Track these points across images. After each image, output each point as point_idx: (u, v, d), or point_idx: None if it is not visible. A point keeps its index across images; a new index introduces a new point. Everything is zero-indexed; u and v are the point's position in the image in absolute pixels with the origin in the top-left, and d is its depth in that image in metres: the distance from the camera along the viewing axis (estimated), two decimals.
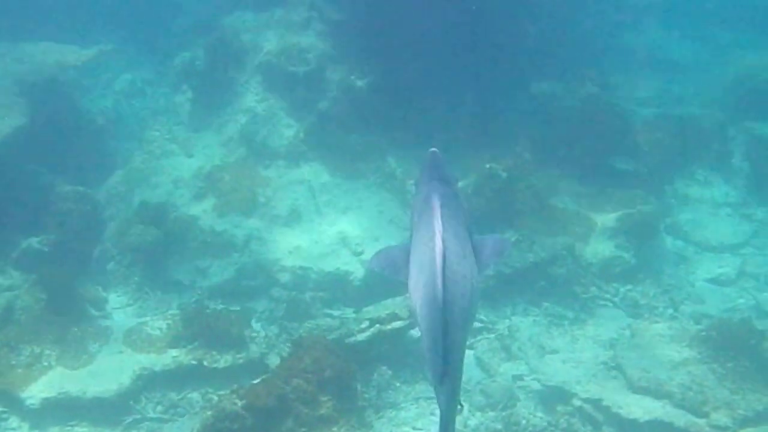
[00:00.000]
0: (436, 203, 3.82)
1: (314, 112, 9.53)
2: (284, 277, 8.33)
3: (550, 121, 9.95)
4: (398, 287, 8.02)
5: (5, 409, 6.88)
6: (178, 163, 9.67)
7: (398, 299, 7.77)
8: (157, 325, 7.66)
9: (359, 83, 9.53)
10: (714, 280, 8.65)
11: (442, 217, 3.74)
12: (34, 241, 8.24)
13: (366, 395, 6.75)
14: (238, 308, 7.85)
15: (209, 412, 6.17)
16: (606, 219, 8.71)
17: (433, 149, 4.18)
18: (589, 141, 9.50)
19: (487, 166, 8.78)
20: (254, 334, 7.50)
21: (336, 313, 8.05)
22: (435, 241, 3.62)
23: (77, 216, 8.54)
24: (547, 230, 8.54)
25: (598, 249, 8.45)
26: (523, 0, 11.01)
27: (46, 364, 7.15)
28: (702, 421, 6.39)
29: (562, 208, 8.91)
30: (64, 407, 6.82)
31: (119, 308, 8.23)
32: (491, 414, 6.84)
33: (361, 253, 8.43)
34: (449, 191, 4.05)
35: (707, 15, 15.02)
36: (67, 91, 10.01)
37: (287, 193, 9.05)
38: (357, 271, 8.29)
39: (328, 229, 8.75)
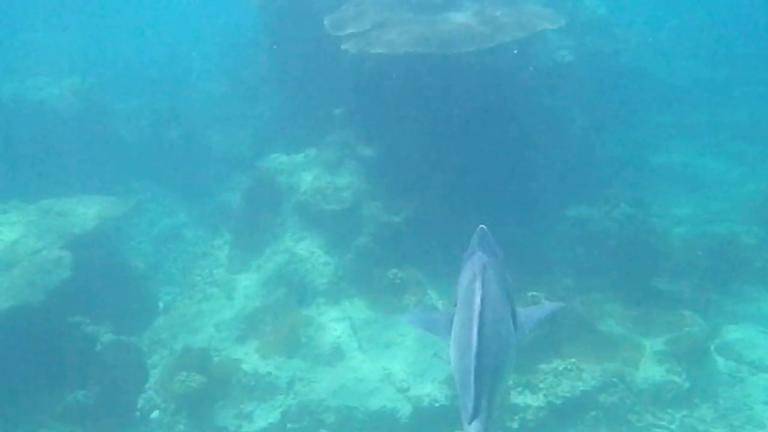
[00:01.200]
0: (480, 269, 4.10)
1: (352, 248, 9.60)
2: (330, 418, 8.18)
3: (587, 244, 9.93)
4: (446, 423, 7.93)
5: None
6: (219, 306, 9.71)
7: None
8: None
9: (395, 218, 9.61)
10: None
11: (484, 281, 4.03)
12: (79, 395, 8.21)
13: None
14: None
15: None
16: (654, 342, 8.55)
17: (482, 226, 4.47)
18: (630, 263, 9.46)
19: (530, 294, 8.71)
20: None
21: None
22: (474, 299, 3.96)
23: (121, 366, 8.51)
24: (595, 357, 8.38)
25: (649, 374, 8.24)
26: (549, 127, 11.20)
27: None
28: None
29: (608, 333, 8.76)
30: None
31: None
32: None
33: (406, 390, 8.29)
34: (494, 261, 4.30)
35: (731, 131, 15.26)
36: (108, 242, 10.19)
37: (328, 331, 9.01)
38: (404, 408, 8.13)
39: (372, 366, 8.64)
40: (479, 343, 3.86)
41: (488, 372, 3.86)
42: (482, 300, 3.98)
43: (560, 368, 8.18)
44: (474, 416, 3.79)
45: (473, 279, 4.12)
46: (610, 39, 13.67)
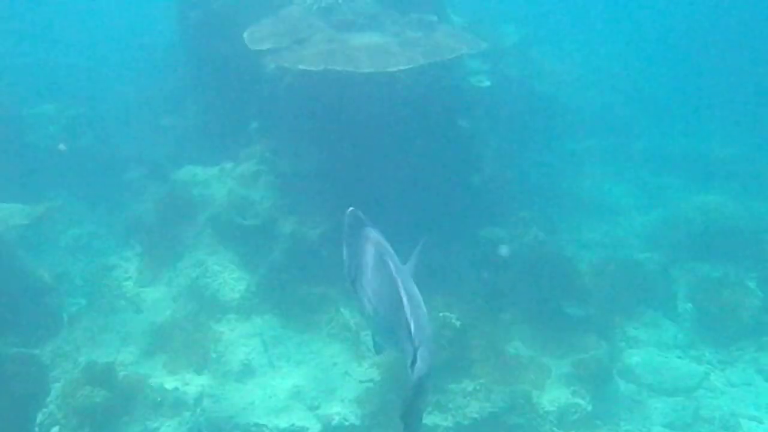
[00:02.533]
0: (381, 246, 4.50)
1: (266, 264, 9.52)
2: None
3: (498, 266, 10.08)
4: None
5: None
6: (127, 320, 9.50)
7: None
8: None
9: (311, 234, 9.59)
10: (670, 425, 8.65)
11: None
12: None
13: None
14: None
15: None
16: (560, 364, 8.76)
17: (351, 208, 4.77)
18: (539, 285, 9.65)
19: (441, 314, 8.81)
20: None
21: None
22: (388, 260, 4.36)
23: (20, 379, 8.24)
24: (503, 378, 8.52)
25: (555, 396, 8.43)
26: (464, 149, 11.35)
27: None
28: None
29: (516, 355, 8.93)
30: None
31: None
32: None
33: (317, 408, 8.27)
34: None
35: (635, 159, 15.84)
36: (11, 251, 9.84)
37: (239, 347, 8.92)
38: (313, 426, 8.10)
39: (282, 383, 8.59)
40: (406, 291, 4.15)
41: (418, 310, 4.21)
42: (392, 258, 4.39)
43: (469, 389, 8.29)
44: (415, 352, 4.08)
45: (376, 244, 4.52)
46: (525, 65, 14.00)
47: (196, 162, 10.80)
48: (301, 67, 9.36)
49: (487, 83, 11.68)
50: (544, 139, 13.95)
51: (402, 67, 9.35)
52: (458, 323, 8.66)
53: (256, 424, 8.13)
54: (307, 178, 9.94)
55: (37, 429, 8.29)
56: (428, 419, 8.13)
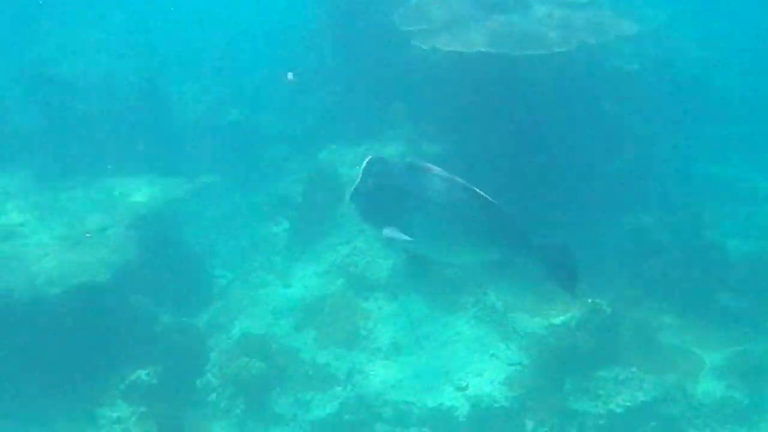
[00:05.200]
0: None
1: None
2: (387, 412, 8.25)
3: (644, 254, 9.91)
4: (505, 425, 7.98)
5: None
6: (277, 294, 9.78)
7: None
8: None
9: None
10: None
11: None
12: (142, 374, 8.29)
13: None
14: None
15: None
16: (714, 357, 8.55)
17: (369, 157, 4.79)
18: (688, 275, 9.44)
19: (589, 300, 8.73)
20: None
21: None
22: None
23: (183, 348, 8.61)
24: (654, 368, 8.39)
25: (709, 388, 8.25)
26: (607, 133, 11.18)
27: None
28: None
29: (667, 345, 8.76)
30: None
31: None
32: None
33: (465, 388, 8.33)
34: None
35: None
36: (168, 223, 10.26)
37: (387, 326, 9.07)
38: (462, 406, 8.16)
39: (430, 362, 8.70)
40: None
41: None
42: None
43: (620, 377, 8.19)
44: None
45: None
46: (671, 48, 13.59)
47: (340, 141, 10.95)
48: (452, 48, 9.39)
49: (635, 66, 11.43)
50: (688, 123, 13.54)
51: (555, 50, 9.26)
52: (609, 309, 8.57)
53: (405, 402, 8.27)
54: (452, 161, 9.94)
55: (196, 393, 8.67)
56: (577, 404, 8.11)
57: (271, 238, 10.80)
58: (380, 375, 8.57)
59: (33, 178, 10.44)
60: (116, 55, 13.49)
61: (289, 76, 11.09)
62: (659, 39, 13.30)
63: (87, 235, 9.03)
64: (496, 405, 8.10)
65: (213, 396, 8.61)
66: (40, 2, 14.88)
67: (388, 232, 4.72)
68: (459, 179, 4.58)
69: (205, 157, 12.53)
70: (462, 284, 9.30)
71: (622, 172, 11.19)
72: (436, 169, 4.76)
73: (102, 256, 8.72)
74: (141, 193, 10.00)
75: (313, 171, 10.72)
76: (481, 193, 4.57)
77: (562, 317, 8.79)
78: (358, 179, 4.77)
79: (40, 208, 9.59)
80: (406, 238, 4.68)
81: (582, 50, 9.97)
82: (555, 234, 9.64)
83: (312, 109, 12.57)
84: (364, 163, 4.78)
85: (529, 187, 9.95)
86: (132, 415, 8.08)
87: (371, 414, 8.28)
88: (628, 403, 7.98)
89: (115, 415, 8.12)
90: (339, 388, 8.50)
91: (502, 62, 9.52)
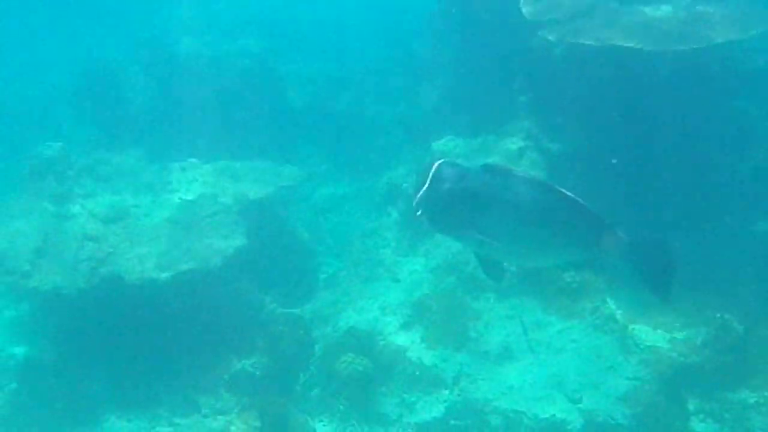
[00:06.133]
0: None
1: None
2: (495, 420, 7.90)
3: None
4: None
5: None
6: (385, 288, 9.53)
7: None
8: None
9: None
10: None
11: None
12: (247, 364, 8.19)
13: None
14: None
15: None
16: None
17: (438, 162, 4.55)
18: None
19: (718, 315, 8.17)
20: None
21: None
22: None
23: (289, 340, 8.44)
24: None
25: None
26: (739, 132, 10.49)
27: None
28: None
29: None
30: None
31: None
32: None
33: (578, 401, 7.91)
34: None
35: None
36: (276, 210, 10.12)
37: (498, 328, 8.71)
38: (575, 420, 7.75)
39: (542, 370, 8.30)
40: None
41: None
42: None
43: (750, 401, 7.63)
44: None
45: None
46: None
47: (456, 132, 10.56)
48: (580, 41, 8.89)
49: None
50: None
51: (693, 46, 8.66)
52: (740, 327, 8.01)
53: (515, 411, 7.90)
54: (574, 159, 9.48)
55: (298, 388, 8.51)
56: (700, 427, 7.61)
57: (381, 230, 10.54)
58: (489, 380, 8.24)
59: (146, 157, 10.41)
60: (228, 33, 13.36)
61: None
62: None
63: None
64: (612, 422, 7.66)
65: (316, 391, 8.44)
66: None
67: (465, 233, 4.50)
68: (541, 179, 4.39)
69: (315, 143, 12.40)
70: (579, 290, 8.84)
71: (754, 175, 10.49)
72: (516, 170, 4.49)
73: (211, 241, 8.64)
74: (251, 178, 9.86)
75: (426, 162, 10.37)
76: (566, 192, 4.35)
77: (686, 332, 8.28)
78: (427, 184, 4.46)
79: (153, 190, 9.56)
80: (488, 240, 4.42)
81: (720, 47, 9.32)
82: (669, 235, 9.34)
83: (427, 97, 12.19)
84: (434, 168, 4.48)
85: (655, 190, 9.41)
86: (235, 405, 8.02)
87: (479, 420, 7.95)
88: (759, 431, 7.42)
89: (218, 404, 8.07)
90: (446, 392, 8.20)
91: (635, 58, 8.95)
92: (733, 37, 8.92)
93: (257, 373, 8.19)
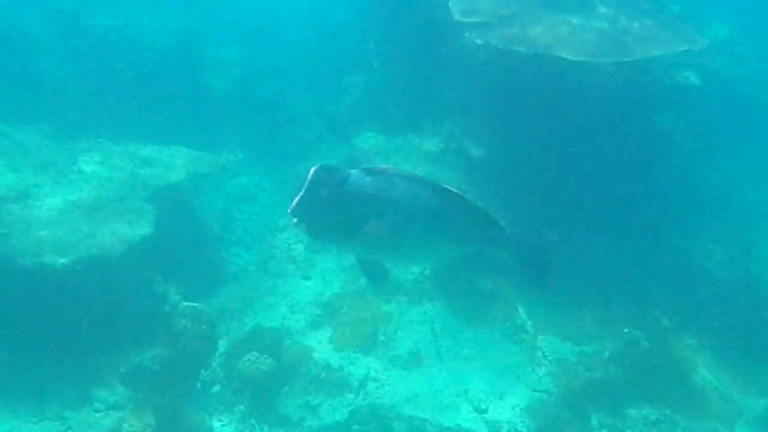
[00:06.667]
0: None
1: None
2: (399, 427, 7.73)
3: (687, 283, 9.34)
4: None
5: None
6: (295, 285, 9.29)
7: None
8: None
9: None
10: None
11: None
12: (145, 358, 7.82)
13: None
14: None
15: None
16: (754, 404, 8.00)
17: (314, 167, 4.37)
18: (731, 311, 8.86)
19: (626, 330, 8.19)
20: None
21: None
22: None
23: (191, 335, 8.10)
24: (688, 411, 7.85)
25: None
26: (655, 149, 10.57)
27: None
28: None
29: (702, 386, 8.22)
30: None
31: None
32: None
33: (484, 411, 7.83)
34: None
35: None
36: (188, 198, 9.75)
37: (408, 333, 8.56)
38: (479, 430, 7.66)
39: (449, 378, 8.18)
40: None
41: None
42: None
43: (652, 417, 7.67)
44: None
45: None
46: (731, 64, 12.91)
47: (377, 130, 10.36)
48: (507, 46, 8.78)
49: (696, 81, 10.75)
50: (739, 145, 12.88)
51: (616, 59, 8.64)
52: (645, 344, 8.04)
53: (419, 419, 7.76)
54: (496, 165, 9.39)
55: (199, 384, 8.19)
56: None
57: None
58: (396, 385, 8.09)
59: (52, 134, 9.91)
60: (152, 9, 12.83)
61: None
62: (722, 54, 12.63)
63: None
64: None
65: (217, 388, 8.13)
66: None
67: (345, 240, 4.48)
68: (422, 177, 4.33)
69: (232, 130, 12.03)
70: (492, 296, 8.75)
71: (669, 192, 10.58)
72: (398, 170, 4.44)
73: (115, 227, 8.22)
74: (162, 163, 9.46)
75: (344, 158, 10.17)
76: (452, 188, 4.38)
77: (594, 345, 8.28)
78: (302, 191, 4.27)
79: (56, 169, 9.06)
80: (371, 245, 4.45)
81: (641, 61, 9.34)
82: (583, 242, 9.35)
83: (350, 91, 11.94)
84: (310, 173, 4.30)
85: (569, 198, 9.40)
86: (129, 401, 7.63)
87: (382, 427, 7.77)
88: None
89: (112, 399, 7.67)
90: (351, 395, 8.00)
91: (556, 65, 8.90)
92: (658, 52, 8.93)
93: (156, 367, 7.82)
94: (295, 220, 4.31)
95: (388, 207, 4.31)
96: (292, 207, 4.30)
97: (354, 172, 4.35)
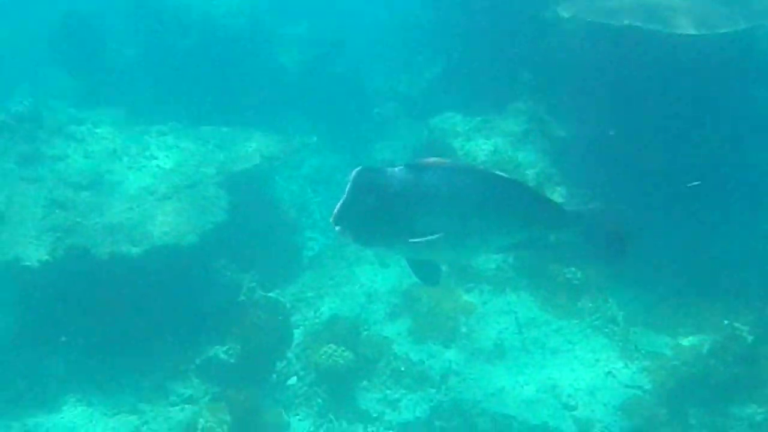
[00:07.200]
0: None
1: None
2: (484, 424, 7.37)
3: None
4: None
5: None
6: (373, 274, 8.96)
7: None
8: None
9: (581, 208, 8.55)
10: None
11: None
12: (220, 351, 7.62)
13: None
14: None
15: None
16: None
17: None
18: None
19: (726, 322, 7.64)
20: None
21: None
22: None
23: (267, 327, 7.86)
24: None
25: None
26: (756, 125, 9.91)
27: None
28: None
29: None
30: None
31: None
32: None
33: (573, 408, 7.39)
34: None
35: None
36: (262, 182, 9.50)
37: (491, 324, 8.15)
38: (568, 428, 7.24)
39: (536, 372, 7.77)
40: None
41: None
42: None
43: (757, 417, 7.12)
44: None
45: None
46: None
47: (456, 109, 9.90)
48: (596, 19, 8.24)
49: None
50: None
51: (723, 30, 8.02)
52: (750, 337, 7.48)
53: (504, 415, 7.38)
54: (583, 145, 8.87)
55: (275, 376, 7.96)
56: None
57: None
58: (479, 380, 7.70)
59: (124, 117, 9.74)
60: None
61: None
62: None
63: None
64: None
65: (293, 380, 7.90)
66: None
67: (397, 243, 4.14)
68: (470, 166, 4.40)
69: (305, 110, 11.72)
70: (580, 286, 8.28)
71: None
72: (443, 162, 4.08)
73: (189, 215, 8.01)
74: (235, 147, 9.19)
75: (422, 138, 9.78)
76: (502, 174, 4.13)
77: (692, 338, 7.75)
78: (345, 195, 3.94)
79: (129, 155, 8.89)
80: (430, 239, 4.02)
81: (741, 33, 8.69)
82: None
83: (427, 68, 11.48)
84: (353, 175, 3.97)
85: (660, 181, 8.83)
86: (205, 394, 7.47)
87: (466, 423, 7.42)
88: None
89: (187, 392, 7.51)
90: (432, 390, 7.67)
91: (650, 39, 8.32)
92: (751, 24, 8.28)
93: (231, 360, 7.61)
94: (338, 228, 3.95)
95: (438, 205, 4.01)
96: (334, 215, 3.94)
97: (399, 170, 4.01)
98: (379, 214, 3.96)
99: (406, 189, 3.97)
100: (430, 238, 3.98)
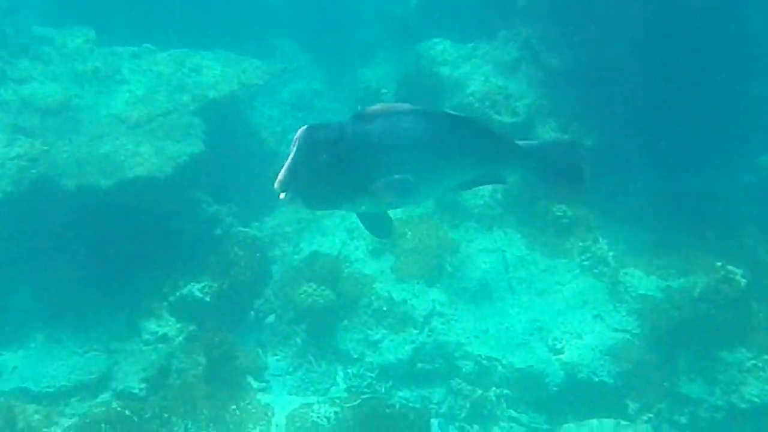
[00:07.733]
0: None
1: None
2: (467, 366, 7.18)
3: None
4: (605, 404, 6.85)
5: None
6: None
7: (606, 421, 6.60)
8: (324, 411, 6.62)
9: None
10: None
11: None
12: (195, 288, 7.31)
13: None
14: (417, 405, 6.80)
15: None
16: None
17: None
18: None
19: (719, 264, 7.39)
20: None
21: (524, 419, 6.93)
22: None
23: (244, 265, 7.55)
24: None
25: None
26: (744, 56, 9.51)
27: None
28: None
29: None
30: None
31: (279, 376, 7.26)
32: None
33: (560, 352, 7.19)
34: None
35: None
36: (240, 109, 9.06)
37: (477, 263, 7.86)
38: (555, 373, 7.04)
39: (522, 313, 7.53)
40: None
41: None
42: None
43: (748, 363, 6.93)
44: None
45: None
46: None
47: (445, 35, 9.42)
48: None
49: None
50: None
51: None
52: (742, 280, 7.23)
53: (488, 358, 7.17)
54: (576, 76, 8.47)
55: (253, 313, 7.70)
56: (689, 388, 6.93)
57: None
58: (463, 321, 7.46)
59: (94, 38, 9.17)
60: None
61: None
62: None
63: None
64: (596, 379, 6.96)
65: (271, 318, 7.64)
66: None
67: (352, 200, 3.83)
68: (420, 109, 3.78)
69: (287, 33, 11.18)
70: (570, 225, 7.98)
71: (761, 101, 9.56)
72: (393, 108, 3.81)
73: (163, 145, 7.61)
74: (212, 71, 8.75)
75: (409, 64, 9.33)
76: (454, 113, 4.00)
77: (683, 280, 7.50)
78: (290, 158, 3.61)
79: (99, 78, 8.41)
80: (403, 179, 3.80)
81: None
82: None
83: None
84: (299, 134, 3.64)
85: (652, 114, 8.48)
86: (179, 333, 7.18)
87: (448, 366, 7.23)
88: (755, 398, 6.74)
89: (161, 331, 7.20)
90: (415, 331, 7.41)
91: None
92: None
93: (207, 299, 7.31)
94: (283, 195, 3.58)
95: (393, 155, 3.77)
96: (278, 180, 3.56)
97: (348, 123, 3.71)
98: (332, 174, 3.62)
99: (359, 142, 3.65)
100: (401, 178, 3.72)
